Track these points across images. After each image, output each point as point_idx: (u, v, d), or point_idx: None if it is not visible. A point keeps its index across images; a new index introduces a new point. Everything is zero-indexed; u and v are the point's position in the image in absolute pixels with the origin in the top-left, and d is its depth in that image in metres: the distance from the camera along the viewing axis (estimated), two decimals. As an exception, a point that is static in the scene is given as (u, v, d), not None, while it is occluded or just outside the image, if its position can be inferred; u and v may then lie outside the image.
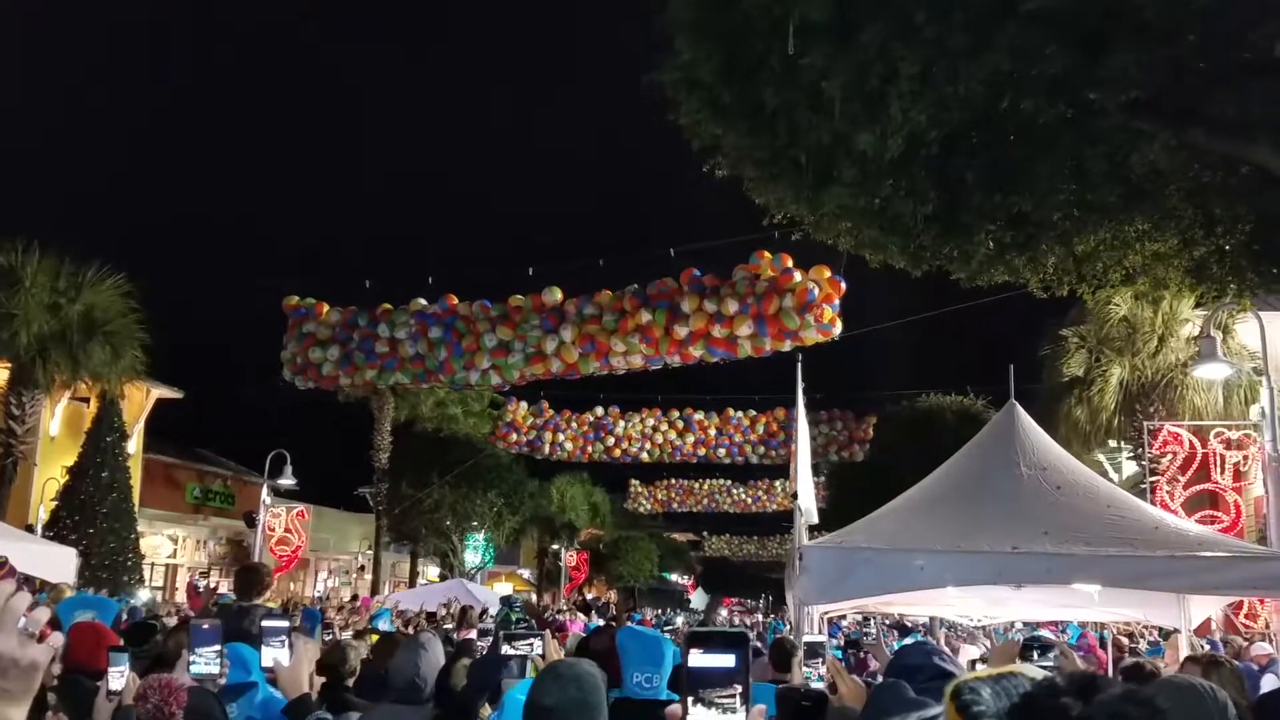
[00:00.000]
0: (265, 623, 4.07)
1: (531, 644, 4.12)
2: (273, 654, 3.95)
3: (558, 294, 15.61)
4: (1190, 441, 16.90)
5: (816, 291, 13.82)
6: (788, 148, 7.44)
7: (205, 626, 3.92)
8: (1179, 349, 20.94)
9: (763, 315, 13.95)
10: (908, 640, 14.73)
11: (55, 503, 23.26)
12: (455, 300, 16.31)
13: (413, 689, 5.19)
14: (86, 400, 25.58)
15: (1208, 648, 10.63)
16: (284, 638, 3.99)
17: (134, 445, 27.39)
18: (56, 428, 25.96)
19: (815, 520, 10.50)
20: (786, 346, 13.97)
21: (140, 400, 28.51)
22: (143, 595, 16.92)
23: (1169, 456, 17.03)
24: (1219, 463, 16.64)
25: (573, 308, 15.35)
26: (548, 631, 4.33)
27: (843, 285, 13.99)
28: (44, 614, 1.64)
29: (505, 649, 4.11)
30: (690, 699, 2.08)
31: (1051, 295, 9.81)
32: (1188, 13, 5.76)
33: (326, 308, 17.00)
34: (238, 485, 36.31)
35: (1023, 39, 6.03)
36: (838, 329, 14.13)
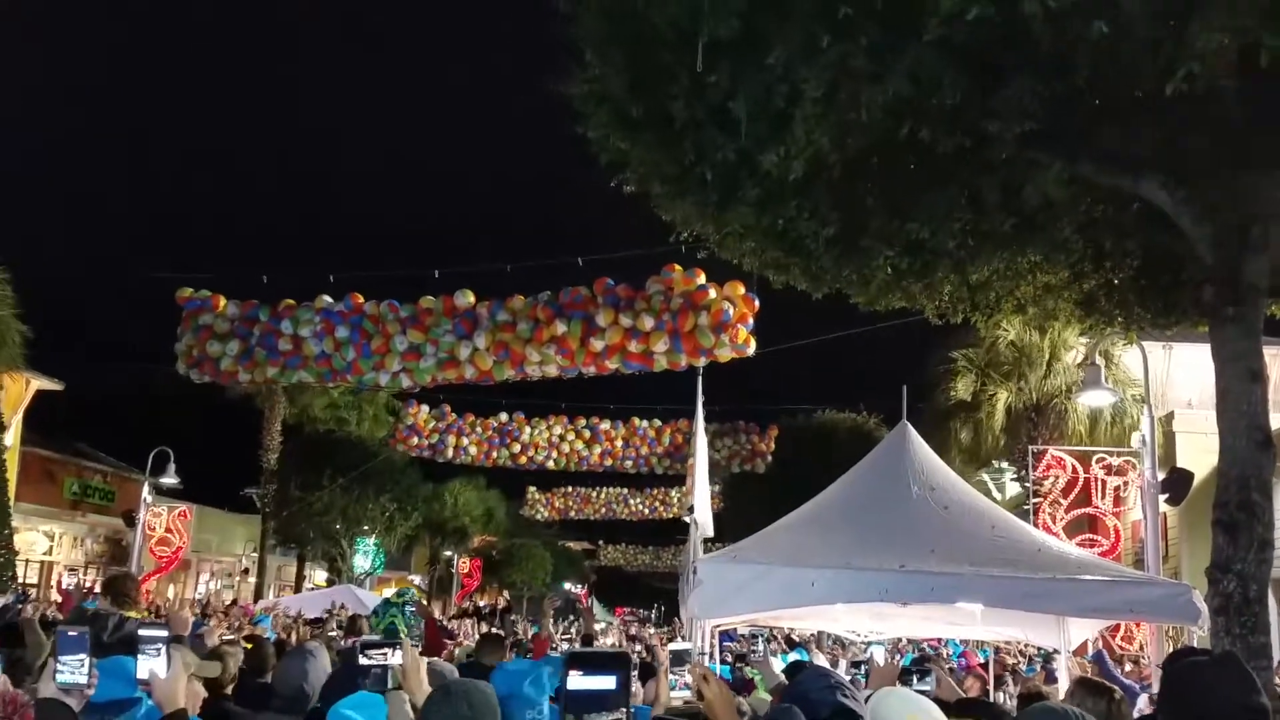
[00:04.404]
0: (141, 631, 3.87)
1: (387, 653, 3.98)
2: (149, 665, 3.72)
3: (470, 297, 15.40)
4: (1073, 465, 17.38)
5: (731, 311, 13.90)
6: (694, 165, 7.45)
7: (72, 633, 3.73)
8: (1064, 374, 21.58)
9: (678, 332, 13.96)
10: (793, 655, 14.86)
11: (-76, 495, 22.35)
12: (361, 299, 15.97)
13: (300, 698, 5.05)
14: (-39, 390, 24.62)
15: (1092, 662, 10.92)
16: (160, 646, 3.80)
17: (11, 437, 26.38)
18: (-71, 417, 24.91)
19: (710, 533, 10.54)
20: (701, 362, 14.01)
21: (19, 391, 27.50)
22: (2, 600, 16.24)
23: (1051, 479, 17.49)
24: (1100, 487, 17.15)
25: (485, 311, 15.15)
26: (407, 641, 4.18)
27: (756, 303, 14.08)
28: None
29: (361, 659, 3.98)
30: None
31: (946, 322, 10.01)
32: (1083, 46, 5.92)
33: (224, 301, 16.50)
34: (118, 482, 35.20)
35: (922, 66, 6.13)
36: (751, 348, 14.23)
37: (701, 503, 10.24)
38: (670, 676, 4.28)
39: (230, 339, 16.19)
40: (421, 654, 4.54)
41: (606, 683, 2.03)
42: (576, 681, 2.03)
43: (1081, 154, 6.95)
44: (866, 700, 3.89)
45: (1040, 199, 7.35)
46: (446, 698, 2.99)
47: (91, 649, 3.75)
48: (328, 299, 16.09)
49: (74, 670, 3.62)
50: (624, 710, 2.02)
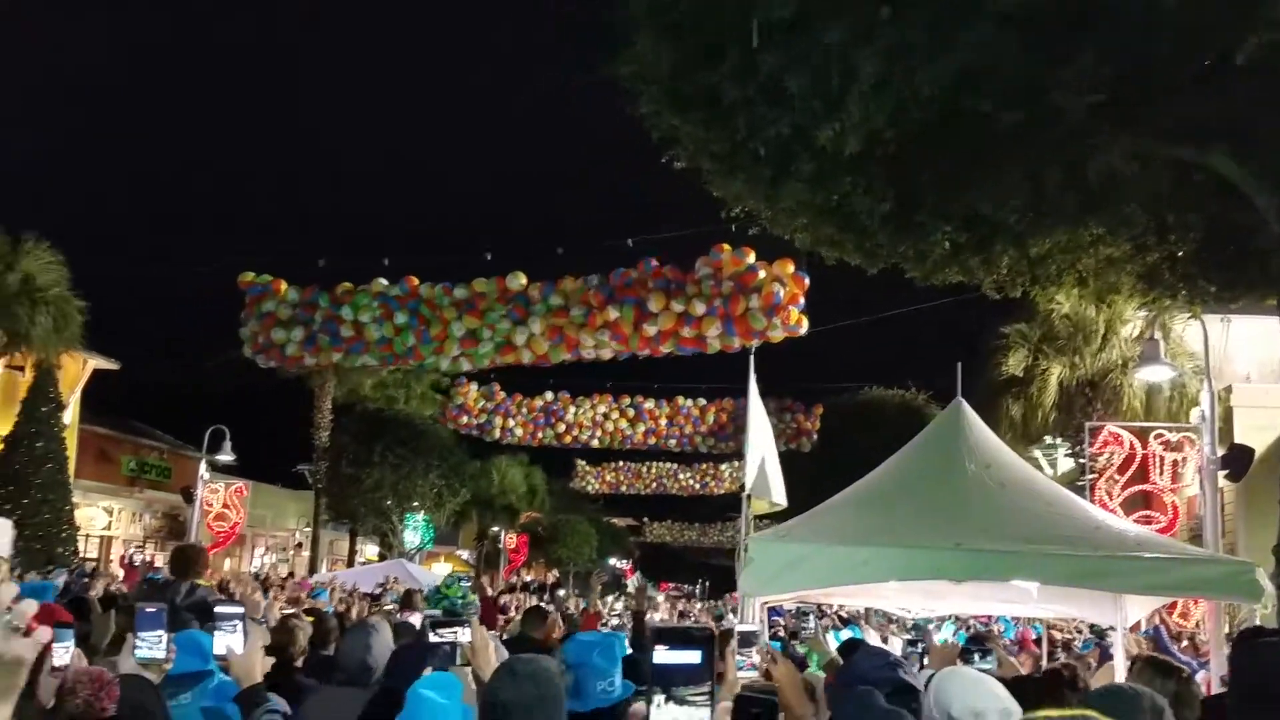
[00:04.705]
0: (218, 608, 3.95)
1: (456, 632, 4.04)
2: (226, 640, 3.82)
3: (522, 279, 15.46)
4: (1130, 442, 17.14)
5: (782, 293, 13.84)
6: (746, 141, 7.40)
7: (150, 610, 3.81)
8: (1120, 348, 21.28)
9: (730, 316, 13.97)
10: (846, 632, 14.84)
11: (-12, 472, 22.83)
12: (416, 282, 16.09)
13: (364, 671, 5.14)
14: (21, 369, 25.06)
15: (1148, 639, 10.80)
16: (237, 623, 3.87)
17: (70, 415, 26.88)
18: (-10, 395, 25.43)
19: (784, 502, 10.48)
20: (755, 344, 14.00)
21: (76, 370, 27.98)
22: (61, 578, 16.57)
23: (1106, 455, 17.26)
24: (1158, 464, 16.91)
25: (536, 292, 15.22)
26: (475, 618, 4.23)
27: (806, 281, 14.01)
28: (30, 606, 1.57)
29: (431, 637, 4.03)
30: (658, 696, 2.05)
31: (1004, 296, 9.89)
32: (1151, 18, 5.80)
33: (284, 285, 16.68)
34: (174, 459, 35.80)
35: (988, 39, 6.04)
36: (804, 327, 14.19)
37: (775, 473, 10.19)
38: (737, 657, 4.28)
39: (294, 326, 16.39)
40: None
41: (692, 657, 2.06)
42: (663, 656, 2.05)
43: (1148, 126, 6.82)
44: (927, 683, 3.87)
45: (1104, 172, 7.23)
46: (513, 678, 2.96)
47: (168, 624, 3.83)
48: (384, 282, 16.22)
49: (152, 645, 3.70)
50: (709, 683, 2.04)
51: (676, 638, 2.07)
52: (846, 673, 3.54)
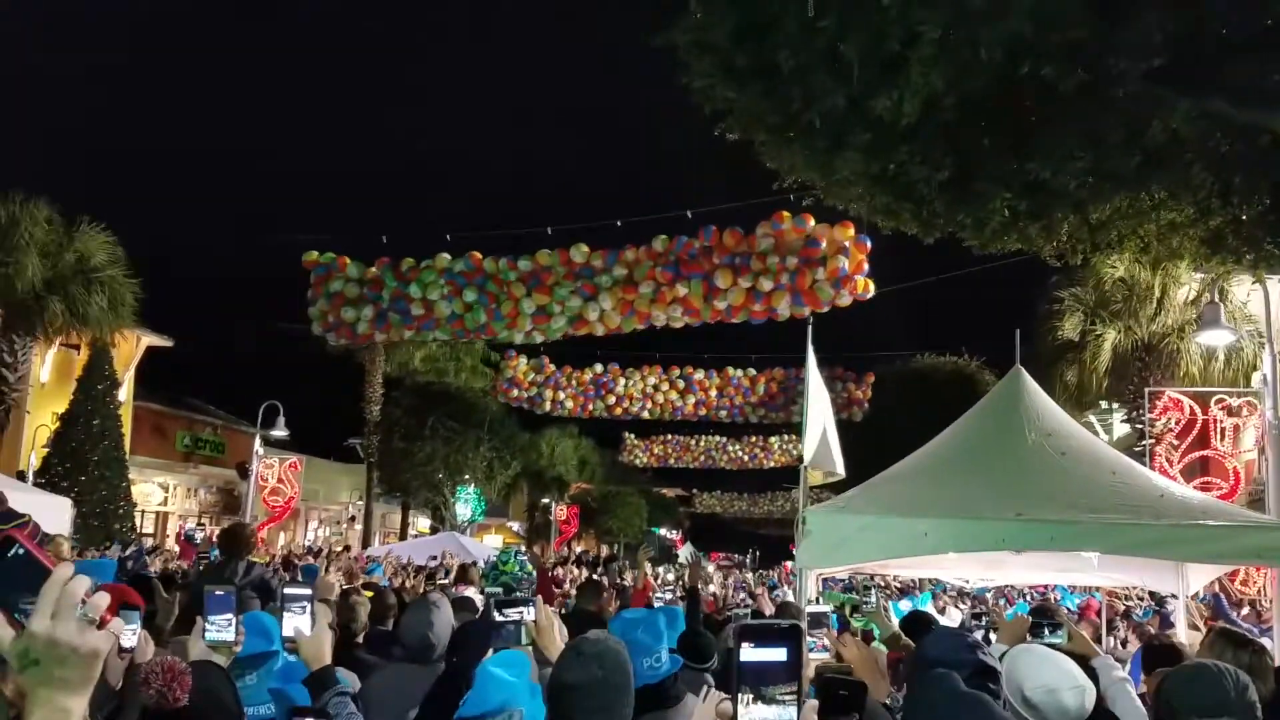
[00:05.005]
0: (287, 590, 3.97)
1: (522, 611, 4.05)
2: (294, 622, 3.82)
3: (585, 249, 15.62)
4: (1190, 407, 16.87)
5: (847, 264, 14.03)
6: (801, 112, 7.31)
7: (219, 593, 3.84)
8: (1176, 312, 20.93)
9: (799, 290, 14.24)
10: (905, 603, 14.80)
11: (46, 450, 23.26)
12: (479, 256, 16.24)
13: (426, 648, 5.18)
14: (76, 347, 25.50)
15: (1208, 605, 10.67)
16: (305, 604, 3.88)
17: (124, 393, 27.32)
18: (47, 374, 25.89)
19: (842, 472, 10.45)
20: (824, 309, 14.27)
21: (130, 348, 28.41)
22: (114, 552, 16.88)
23: (1165, 420, 17.02)
24: (1218, 429, 16.64)
25: (600, 262, 15.40)
26: (540, 598, 4.23)
27: (868, 245, 14.14)
28: (104, 599, 1.58)
29: (496, 616, 4.05)
30: (745, 695, 2.02)
31: (1064, 263, 9.75)
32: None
33: (349, 261, 16.94)
34: (227, 434, 36.32)
35: (1044, 3, 5.92)
36: (870, 292, 14.41)
37: (834, 442, 10.16)
38: (809, 638, 4.25)
39: (364, 304, 16.71)
40: None
41: (778, 654, 2.00)
42: (749, 654, 2.00)
43: (1211, 89, 6.66)
44: (1001, 658, 3.83)
45: (1166, 136, 7.07)
46: (579, 659, 2.97)
47: (237, 608, 3.86)
48: (447, 257, 16.41)
49: (221, 629, 3.73)
50: (797, 681, 1.99)
51: (763, 634, 2.03)
52: (924, 654, 3.49)
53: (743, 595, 21.29)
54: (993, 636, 6.10)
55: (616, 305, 15.23)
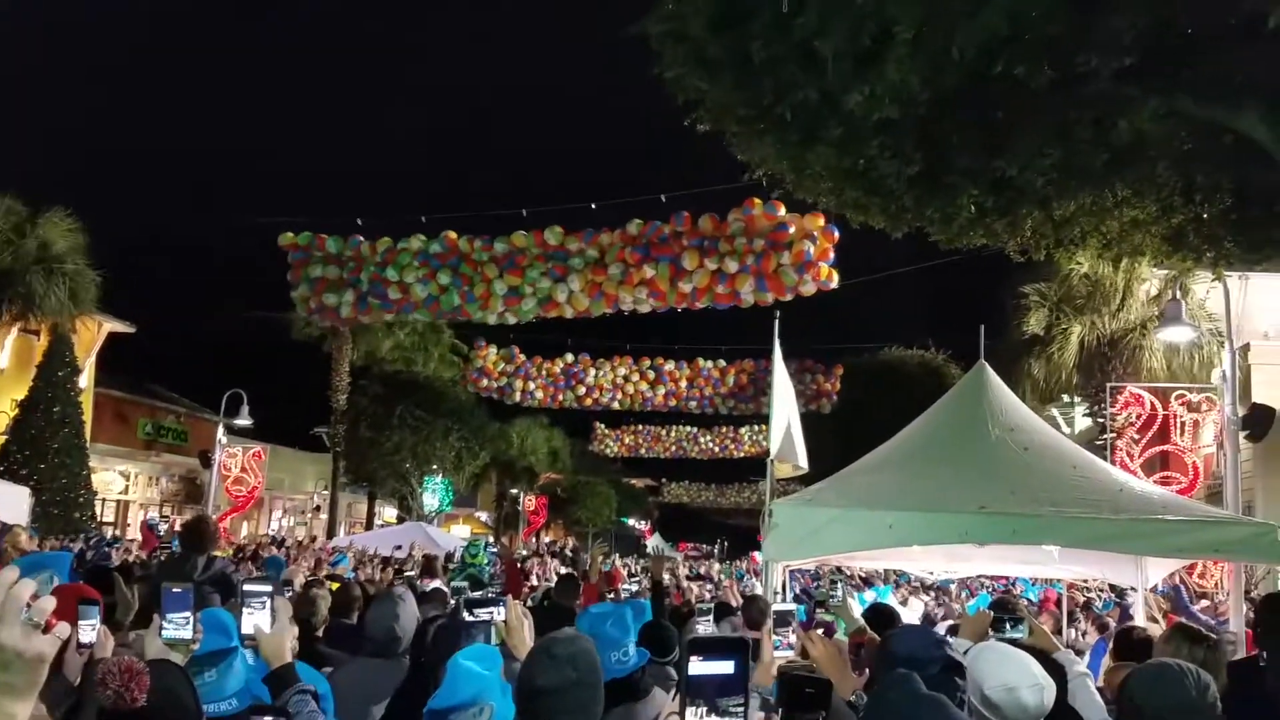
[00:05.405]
0: (246, 586, 3.93)
1: (492, 611, 4.05)
2: (253, 619, 3.79)
3: (559, 231, 15.76)
4: (1151, 402, 17.09)
5: (812, 249, 14.19)
6: (773, 105, 7.32)
7: (176, 590, 3.77)
8: (1139, 308, 21.13)
9: (763, 273, 14.41)
10: (869, 594, 14.88)
11: (5, 437, 22.99)
12: (455, 236, 16.35)
13: (391, 641, 5.15)
14: (36, 333, 25.19)
15: (1167, 597, 10.82)
16: (265, 600, 3.84)
17: (85, 379, 27.00)
18: (6, 360, 25.55)
19: (805, 466, 10.54)
20: (788, 298, 14.42)
21: (92, 334, 28.10)
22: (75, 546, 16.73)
23: (1126, 415, 17.22)
24: (1179, 424, 16.87)
25: (575, 245, 15.59)
26: (510, 598, 4.23)
27: (836, 235, 14.29)
28: (49, 603, 1.56)
29: (466, 616, 4.03)
30: (694, 707, 2.05)
31: (1028, 259, 9.84)
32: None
33: (328, 239, 17.00)
34: (191, 422, 35.96)
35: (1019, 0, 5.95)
36: (834, 282, 14.61)
37: (798, 436, 10.24)
38: (774, 636, 4.27)
39: (345, 289, 16.94)
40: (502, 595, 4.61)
41: (725, 667, 2.06)
42: (699, 667, 2.05)
43: (1178, 87, 6.73)
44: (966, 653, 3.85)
45: (1133, 133, 7.13)
46: (552, 661, 2.88)
47: (194, 604, 3.81)
48: (422, 237, 16.54)
49: (179, 626, 3.66)
50: (744, 692, 2.04)
51: (710, 648, 2.08)
52: (893, 651, 3.49)
53: (709, 586, 21.35)
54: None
55: (585, 287, 15.50)
